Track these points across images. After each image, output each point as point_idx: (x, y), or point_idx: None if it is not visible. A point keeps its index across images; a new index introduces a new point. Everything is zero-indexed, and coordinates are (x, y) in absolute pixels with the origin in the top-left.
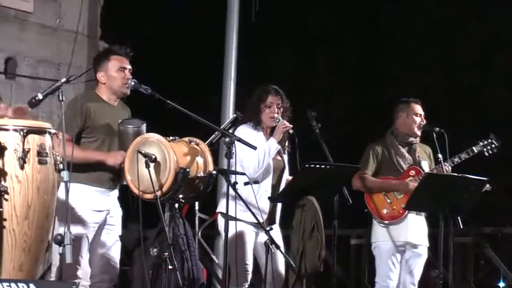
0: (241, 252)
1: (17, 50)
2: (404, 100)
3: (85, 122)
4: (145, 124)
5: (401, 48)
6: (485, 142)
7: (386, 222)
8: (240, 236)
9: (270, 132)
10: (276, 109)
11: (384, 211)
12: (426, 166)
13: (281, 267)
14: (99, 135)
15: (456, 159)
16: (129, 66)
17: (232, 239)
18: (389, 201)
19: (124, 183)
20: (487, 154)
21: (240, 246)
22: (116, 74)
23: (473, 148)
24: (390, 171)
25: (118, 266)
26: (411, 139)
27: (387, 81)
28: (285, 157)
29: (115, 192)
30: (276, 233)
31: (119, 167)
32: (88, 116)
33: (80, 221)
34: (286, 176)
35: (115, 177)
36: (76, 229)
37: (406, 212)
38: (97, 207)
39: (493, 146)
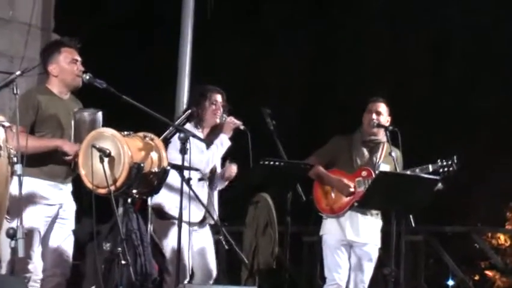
0: (179, 251)
1: None
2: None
3: (37, 116)
4: (100, 112)
5: (355, 47)
6: (444, 163)
7: (324, 214)
8: (176, 236)
9: (210, 131)
10: (220, 107)
11: (326, 203)
12: (386, 169)
13: (211, 264)
14: (50, 128)
15: (409, 173)
16: (80, 58)
17: (171, 239)
18: (333, 195)
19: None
20: (441, 175)
21: (174, 246)
22: (68, 66)
23: (429, 166)
24: (345, 166)
25: (71, 260)
26: (372, 137)
27: (342, 80)
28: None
29: (68, 186)
30: (206, 232)
31: (74, 159)
32: (40, 109)
33: (32, 215)
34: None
35: (67, 171)
36: (27, 223)
37: (346, 208)
38: (49, 201)
39: (451, 169)
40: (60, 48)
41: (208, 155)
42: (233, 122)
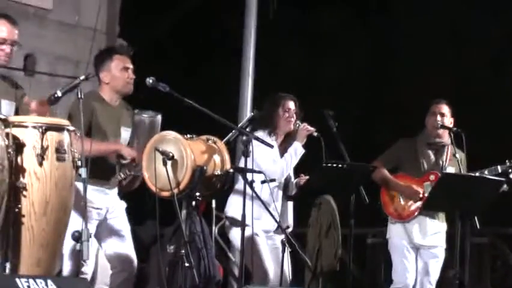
0: (258, 258)
1: (36, 47)
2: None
3: (91, 122)
4: (160, 115)
5: (417, 47)
6: None
7: (394, 220)
8: (253, 240)
9: (283, 140)
10: (294, 114)
11: (394, 209)
12: (452, 171)
13: (286, 268)
14: (101, 135)
15: (473, 174)
16: (132, 66)
17: (247, 245)
18: (401, 200)
19: (137, 173)
20: (511, 176)
21: (256, 250)
22: (119, 74)
23: (498, 167)
24: (412, 170)
25: (133, 255)
26: (437, 140)
27: (403, 81)
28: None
29: (114, 191)
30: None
31: (132, 162)
32: (94, 116)
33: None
34: (293, 179)
35: (114, 178)
36: (79, 226)
37: (415, 214)
38: (96, 205)
39: None
40: (112, 56)
41: (282, 164)
42: (307, 129)
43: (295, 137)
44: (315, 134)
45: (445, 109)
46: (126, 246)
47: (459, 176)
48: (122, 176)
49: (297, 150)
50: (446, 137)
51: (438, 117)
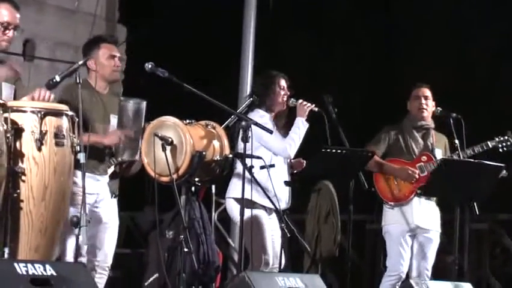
0: (260, 239)
1: (36, 32)
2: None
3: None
4: (144, 102)
5: (418, 37)
6: (501, 138)
7: (391, 203)
8: (256, 222)
9: (275, 117)
10: (287, 91)
11: (390, 192)
12: (439, 154)
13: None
14: (90, 123)
15: (469, 152)
16: (119, 54)
17: (248, 225)
18: (396, 183)
19: (122, 159)
20: (501, 150)
21: (258, 233)
22: (106, 62)
23: (488, 143)
24: (402, 154)
25: (105, 247)
26: (421, 123)
27: (405, 69)
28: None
29: (105, 178)
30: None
31: (116, 146)
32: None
33: (75, 203)
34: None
35: (105, 166)
36: (72, 211)
37: (412, 195)
38: (87, 190)
39: (509, 143)
40: (99, 44)
41: (290, 141)
42: (306, 104)
43: (285, 116)
44: (316, 109)
45: (428, 92)
46: (100, 240)
47: (458, 161)
48: (113, 162)
49: (303, 123)
50: (429, 120)
51: (423, 100)
